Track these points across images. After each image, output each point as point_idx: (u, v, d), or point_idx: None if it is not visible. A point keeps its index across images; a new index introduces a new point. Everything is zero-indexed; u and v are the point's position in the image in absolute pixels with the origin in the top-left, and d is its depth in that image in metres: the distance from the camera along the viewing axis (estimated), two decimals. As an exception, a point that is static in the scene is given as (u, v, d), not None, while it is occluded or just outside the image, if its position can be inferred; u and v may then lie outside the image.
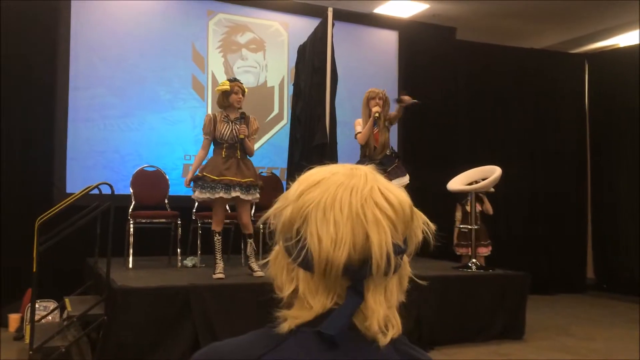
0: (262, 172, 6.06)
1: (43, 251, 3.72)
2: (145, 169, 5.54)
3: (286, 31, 6.61)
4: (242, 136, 4.30)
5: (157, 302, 3.76)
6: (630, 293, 6.79)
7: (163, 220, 5.20)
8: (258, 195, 4.38)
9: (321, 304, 0.69)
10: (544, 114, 7.53)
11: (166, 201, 5.46)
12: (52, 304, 4.82)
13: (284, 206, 0.73)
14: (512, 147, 7.35)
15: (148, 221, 5.11)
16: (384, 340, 0.68)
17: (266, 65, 6.52)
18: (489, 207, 6.09)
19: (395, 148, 5.57)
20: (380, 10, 6.91)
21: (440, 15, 7.08)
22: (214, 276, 4.19)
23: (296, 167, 5.35)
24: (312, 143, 5.02)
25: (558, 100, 7.59)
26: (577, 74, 7.82)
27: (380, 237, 0.68)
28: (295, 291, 0.71)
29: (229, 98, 4.35)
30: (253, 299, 3.82)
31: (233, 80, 4.42)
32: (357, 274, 0.68)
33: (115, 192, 4.02)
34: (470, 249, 5.68)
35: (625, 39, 7.49)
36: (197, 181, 4.24)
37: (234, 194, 4.22)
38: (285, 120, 6.46)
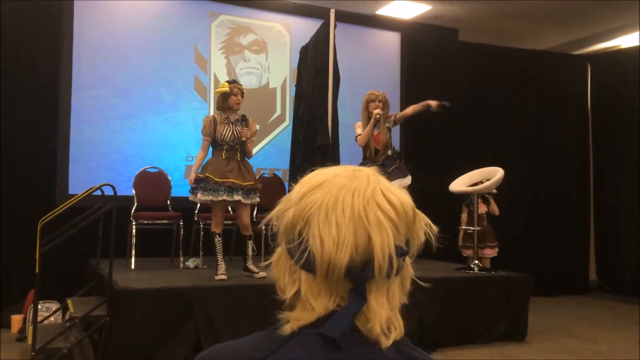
0: (264, 174, 6.07)
1: (46, 252, 3.72)
2: (147, 170, 5.55)
3: (288, 33, 6.61)
4: (244, 139, 4.31)
5: (160, 303, 3.76)
6: (633, 294, 6.77)
7: (165, 221, 5.21)
8: (258, 199, 4.39)
9: (323, 306, 0.69)
10: (546, 115, 7.52)
11: (168, 202, 5.47)
12: (54, 305, 4.82)
13: (286, 208, 0.73)
14: (514, 148, 7.34)
15: (150, 222, 5.12)
16: (386, 342, 0.68)
17: (268, 67, 6.53)
18: (495, 208, 6.07)
19: (398, 149, 5.56)
20: (383, 11, 6.91)
21: (442, 17, 7.09)
22: (216, 277, 4.19)
23: (298, 168, 5.36)
24: (314, 144, 5.03)
25: (560, 101, 7.58)
26: (580, 75, 7.82)
27: (383, 239, 0.67)
28: (297, 293, 0.71)
29: (228, 100, 4.35)
30: (255, 300, 3.83)
31: (232, 82, 4.42)
32: (359, 276, 0.67)
33: (118, 194, 4.03)
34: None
35: (627, 40, 7.48)
36: (199, 182, 4.24)
37: (236, 198, 4.22)
38: (288, 122, 6.46)
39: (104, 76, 5.72)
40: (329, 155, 4.88)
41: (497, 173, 5.33)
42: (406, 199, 0.72)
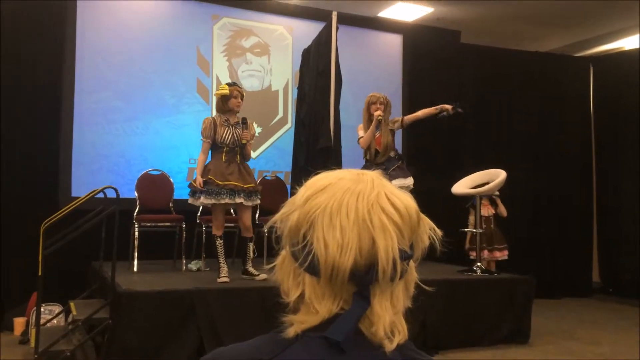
0: (266, 176, 6.07)
1: (48, 255, 3.73)
2: (150, 172, 5.55)
3: (290, 35, 6.62)
4: (244, 141, 4.31)
5: (162, 306, 3.76)
6: (636, 297, 6.75)
7: (168, 223, 5.21)
8: (259, 201, 4.40)
9: (327, 309, 0.69)
10: (548, 117, 7.51)
11: (171, 205, 5.48)
12: (57, 308, 4.83)
13: (290, 211, 0.73)
14: (517, 150, 7.34)
15: (153, 225, 5.12)
16: (390, 346, 0.68)
17: (270, 69, 6.54)
18: (502, 210, 6.04)
19: (400, 151, 5.56)
20: (385, 14, 6.92)
21: (444, 19, 7.09)
22: (219, 280, 4.20)
23: (300, 170, 5.36)
24: (316, 146, 5.03)
25: (563, 103, 7.57)
26: (582, 77, 7.81)
27: (387, 243, 0.68)
28: (301, 296, 0.71)
29: (228, 102, 4.35)
30: (258, 303, 3.83)
31: (232, 85, 4.42)
32: (363, 280, 0.68)
33: (120, 196, 4.03)
34: (483, 252, 5.67)
35: (630, 42, 7.47)
36: (202, 184, 4.23)
37: (237, 200, 4.23)
38: (290, 124, 6.47)
39: (106, 79, 5.73)
40: (331, 157, 4.89)
41: (499, 175, 5.33)
42: (410, 202, 0.72)
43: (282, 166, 6.34)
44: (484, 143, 7.25)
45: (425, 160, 6.58)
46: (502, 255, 5.91)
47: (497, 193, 5.88)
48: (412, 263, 0.73)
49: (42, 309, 4.00)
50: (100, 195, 4.13)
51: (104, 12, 5.76)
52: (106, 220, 4.06)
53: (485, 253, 5.87)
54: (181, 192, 5.54)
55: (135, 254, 4.90)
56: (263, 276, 4.23)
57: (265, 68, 6.52)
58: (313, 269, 0.69)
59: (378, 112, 4.78)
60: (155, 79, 5.94)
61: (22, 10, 5.33)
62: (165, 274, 4.82)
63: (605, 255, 7.58)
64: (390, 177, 4.48)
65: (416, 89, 7.01)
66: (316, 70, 5.20)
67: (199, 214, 5.33)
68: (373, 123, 4.79)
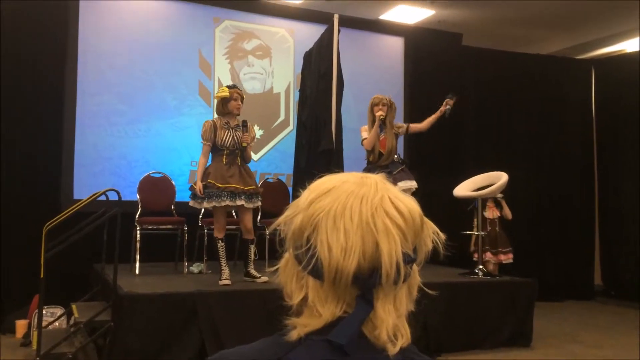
0: (268, 178, 6.07)
1: (50, 257, 3.73)
2: (152, 175, 5.56)
3: (292, 38, 6.63)
4: (244, 144, 4.31)
5: (164, 308, 3.76)
6: (638, 299, 6.73)
7: (169, 226, 5.21)
8: (260, 203, 4.40)
9: (330, 312, 0.69)
10: (550, 119, 7.51)
11: (173, 207, 5.48)
12: (59, 310, 4.83)
13: (294, 214, 0.73)
14: (518, 152, 7.33)
15: (155, 227, 5.13)
16: (393, 350, 0.68)
17: (272, 72, 6.55)
18: (508, 213, 6.02)
19: (402, 154, 5.57)
20: (386, 16, 6.93)
21: (446, 22, 7.10)
22: (220, 282, 4.20)
23: (302, 173, 5.36)
24: (318, 149, 5.03)
25: (564, 105, 7.57)
26: (584, 80, 7.81)
27: (390, 246, 0.68)
28: (304, 299, 0.71)
29: (228, 105, 4.35)
30: (259, 305, 3.83)
31: (232, 87, 4.43)
32: (366, 283, 0.68)
33: (122, 199, 4.03)
34: (486, 254, 5.66)
35: (631, 45, 7.47)
36: (202, 189, 4.23)
37: (238, 202, 4.23)
38: (292, 127, 6.47)
39: (108, 81, 5.74)
40: (332, 160, 4.89)
41: (501, 178, 5.32)
42: (414, 206, 0.73)
43: (284, 169, 6.34)
44: (485, 145, 7.25)
45: (427, 163, 6.58)
46: (507, 258, 5.88)
47: (502, 195, 5.87)
48: (415, 267, 0.73)
49: (44, 312, 4.00)
50: (102, 197, 4.13)
51: (106, 14, 5.78)
52: (108, 222, 4.07)
53: (489, 255, 5.86)
54: (183, 194, 5.55)
55: (137, 257, 4.90)
56: (264, 279, 4.23)
57: (267, 70, 6.53)
58: (316, 272, 0.69)
59: (380, 113, 4.79)
60: (157, 81, 5.95)
61: (24, 12, 5.34)
62: (167, 276, 4.82)
63: (607, 257, 7.56)
64: (395, 180, 4.49)
65: (418, 91, 7.01)
66: (318, 73, 5.20)
67: (200, 216, 5.33)
68: (376, 123, 4.80)
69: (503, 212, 6.01)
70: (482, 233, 5.49)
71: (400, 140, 6.16)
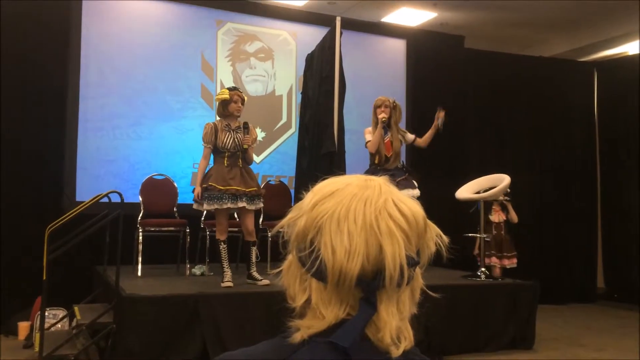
0: (270, 181, 6.08)
1: (53, 259, 3.74)
2: (154, 177, 5.57)
3: (294, 40, 6.64)
4: (245, 146, 4.31)
5: (166, 310, 3.77)
6: (641, 303, 6.72)
7: (172, 228, 5.22)
8: (262, 205, 4.40)
9: (334, 315, 0.69)
10: (552, 122, 7.50)
11: (175, 209, 5.48)
12: (61, 312, 4.84)
13: (298, 216, 0.73)
14: (521, 155, 7.33)
15: (157, 229, 5.13)
16: (396, 352, 0.68)
17: (274, 74, 6.56)
18: (514, 216, 5.99)
19: (404, 156, 5.56)
20: (388, 19, 6.93)
21: (448, 24, 7.10)
22: (222, 284, 4.19)
23: (304, 175, 5.36)
24: (320, 151, 5.03)
25: (567, 108, 7.56)
26: (586, 82, 7.80)
27: (394, 249, 0.68)
28: (307, 301, 0.71)
29: (228, 107, 4.36)
30: (261, 308, 3.83)
31: (232, 89, 4.43)
32: (370, 285, 0.68)
33: (125, 201, 4.04)
34: (493, 259, 5.64)
35: (634, 47, 7.47)
36: (203, 192, 4.24)
37: (240, 204, 4.23)
38: (294, 129, 6.48)
39: (111, 84, 5.75)
40: (335, 162, 4.89)
41: (503, 180, 5.31)
42: (417, 209, 0.73)
43: (286, 171, 6.35)
44: (487, 148, 7.25)
45: (429, 165, 6.57)
46: (511, 263, 5.85)
47: (508, 198, 5.86)
48: (418, 269, 0.73)
49: (46, 313, 4.01)
50: (105, 199, 4.14)
51: (108, 17, 5.79)
52: (110, 224, 4.08)
53: (494, 260, 5.83)
54: (185, 196, 5.56)
55: (139, 259, 4.90)
56: (266, 281, 4.23)
57: (269, 73, 6.54)
58: (320, 275, 0.69)
59: (382, 115, 4.79)
60: (159, 84, 5.97)
61: (27, 14, 5.36)
62: (169, 278, 4.82)
63: (610, 260, 7.55)
64: (399, 187, 4.48)
65: (420, 94, 7.01)
66: (320, 75, 5.20)
67: (202, 218, 5.33)
68: (378, 126, 4.79)
69: (509, 216, 5.98)
70: (485, 235, 5.48)
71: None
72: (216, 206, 4.21)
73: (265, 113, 6.39)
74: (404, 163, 5.12)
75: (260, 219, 5.43)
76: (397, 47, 7.15)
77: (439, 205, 5.53)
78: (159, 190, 5.52)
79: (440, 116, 4.96)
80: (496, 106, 7.36)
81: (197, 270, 5.06)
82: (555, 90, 7.50)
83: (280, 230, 0.76)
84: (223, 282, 4.22)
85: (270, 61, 6.54)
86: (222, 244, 4.34)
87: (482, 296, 4.76)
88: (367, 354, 0.68)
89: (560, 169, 7.48)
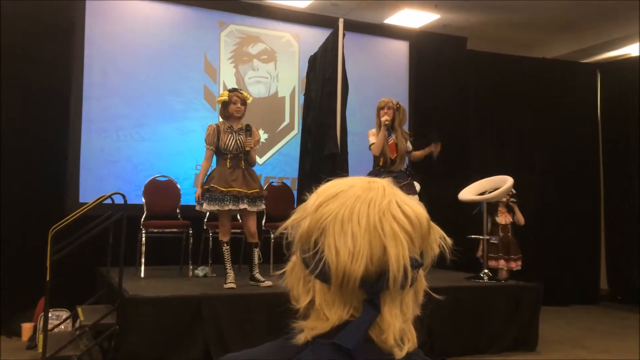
0: (273, 182, 6.08)
1: (56, 260, 3.75)
2: (157, 178, 5.58)
3: (297, 42, 6.65)
4: (248, 149, 4.32)
5: (169, 311, 3.77)
6: (645, 305, 6.70)
7: (174, 229, 5.22)
8: (264, 206, 4.41)
9: (337, 316, 0.69)
10: (555, 124, 7.48)
11: (178, 211, 5.49)
12: (64, 313, 4.84)
13: (301, 217, 0.74)
14: (524, 157, 7.31)
15: (160, 231, 5.14)
16: (399, 354, 0.69)
17: (277, 76, 6.57)
18: (520, 218, 5.96)
19: (406, 159, 5.54)
20: (391, 20, 6.94)
21: (451, 26, 7.10)
22: (225, 286, 4.20)
23: (307, 177, 5.36)
24: (322, 153, 5.03)
25: (570, 109, 7.55)
26: (589, 84, 7.79)
27: (398, 251, 0.68)
28: (311, 302, 0.72)
29: (228, 108, 4.38)
30: (264, 309, 3.83)
31: (232, 91, 4.44)
32: (373, 287, 0.68)
33: (128, 202, 4.05)
34: (501, 261, 5.63)
35: (636, 49, 7.45)
36: (205, 193, 4.25)
37: (242, 206, 4.24)
38: (296, 130, 6.48)
39: (114, 85, 5.77)
40: (337, 164, 4.89)
41: (506, 182, 5.31)
42: (421, 211, 0.73)
43: (289, 172, 6.35)
44: (490, 149, 7.24)
45: (432, 167, 6.55)
46: (517, 265, 5.84)
47: (514, 200, 5.84)
48: (421, 271, 0.74)
49: (49, 315, 4.01)
50: (108, 201, 4.15)
51: (112, 19, 5.81)
52: (113, 226, 4.08)
53: (502, 262, 5.82)
54: (188, 198, 5.57)
55: (142, 260, 4.91)
56: (268, 283, 4.23)
57: (271, 74, 6.55)
58: (324, 276, 0.69)
59: (385, 118, 4.78)
60: (162, 85, 5.98)
61: (30, 14, 5.38)
62: (172, 279, 4.83)
63: (613, 262, 7.53)
64: (402, 190, 4.46)
65: (422, 95, 7.01)
66: (323, 77, 5.21)
67: (205, 220, 5.34)
68: (382, 129, 4.78)
69: (515, 218, 5.96)
70: (488, 237, 5.47)
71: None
72: (217, 207, 4.21)
73: (267, 115, 6.40)
74: (408, 166, 5.10)
75: (263, 221, 5.43)
76: (399, 49, 7.15)
77: (441, 206, 5.54)
78: (161, 191, 5.53)
79: (435, 151, 4.96)
80: (498, 107, 7.35)
81: (200, 271, 5.06)
82: (558, 91, 7.49)
83: (284, 231, 0.76)
84: (226, 283, 4.22)
85: (273, 63, 6.55)
86: (225, 245, 4.35)
87: (484, 298, 4.75)
88: (371, 355, 0.68)
89: (562, 170, 7.46)
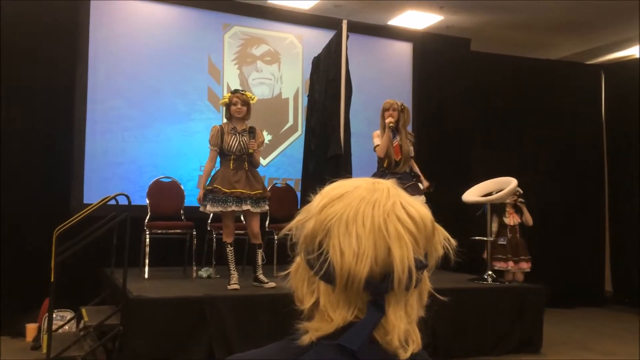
0: (276, 183, 6.09)
1: (61, 261, 3.76)
2: (161, 179, 5.59)
3: (301, 43, 6.66)
4: (251, 151, 4.33)
5: (173, 312, 3.78)
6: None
7: (178, 230, 5.23)
8: (267, 208, 4.41)
9: (342, 317, 0.69)
10: (560, 125, 7.47)
11: (182, 212, 5.50)
12: (69, 314, 4.86)
13: (306, 219, 0.74)
14: (528, 158, 7.29)
15: (164, 232, 5.15)
16: (404, 355, 0.69)
17: (281, 77, 6.57)
18: (528, 218, 5.93)
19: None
20: (395, 22, 6.94)
21: (454, 27, 7.09)
22: (229, 287, 4.20)
23: (311, 178, 5.37)
24: (326, 154, 5.03)
25: (574, 110, 7.53)
26: (593, 85, 7.77)
27: (402, 252, 0.68)
28: (315, 303, 0.72)
29: (230, 110, 4.41)
30: (268, 310, 3.83)
31: (234, 92, 4.47)
32: (378, 288, 0.68)
33: (132, 203, 4.06)
34: (510, 263, 5.60)
35: (641, 50, 7.44)
36: (208, 194, 4.26)
37: (245, 207, 4.24)
38: (300, 132, 6.49)
39: (118, 87, 5.79)
40: (341, 165, 4.89)
41: (510, 183, 5.30)
42: (425, 212, 0.73)
43: (292, 174, 6.35)
44: (493, 151, 7.22)
45: (435, 168, 6.55)
46: (528, 267, 5.82)
47: (522, 200, 5.82)
48: (425, 272, 0.73)
49: (54, 315, 4.03)
50: (112, 202, 4.16)
51: (116, 21, 5.83)
52: (118, 227, 4.09)
53: (510, 264, 5.79)
54: (192, 199, 5.56)
55: (147, 261, 4.91)
56: (272, 284, 4.23)
57: (275, 76, 6.55)
58: (328, 277, 0.69)
59: (389, 120, 4.77)
60: (166, 87, 6.00)
61: (37, 21, 5.40)
62: (176, 280, 4.84)
63: (618, 263, 7.50)
64: (407, 191, 4.46)
65: (426, 96, 7.01)
66: (326, 78, 5.21)
67: (209, 221, 5.34)
68: (386, 131, 4.78)
69: (523, 218, 5.94)
70: (492, 239, 5.45)
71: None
72: (220, 209, 4.22)
73: (271, 116, 6.41)
74: (412, 168, 5.09)
75: (267, 222, 5.43)
76: (403, 50, 7.15)
77: (445, 208, 5.53)
78: (166, 192, 5.54)
79: (428, 189, 4.96)
80: (502, 108, 7.34)
81: (204, 272, 5.06)
82: (563, 93, 7.46)
83: (288, 232, 0.76)
84: (229, 284, 4.23)
85: (277, 64, 6.56)
86: (229, 246, 4.35)
87: (489, 299, 4.74)
88: (375, 356, 0.68)
89: (567, 171, 7.44)
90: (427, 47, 7.09)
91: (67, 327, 4.71)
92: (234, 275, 4.28)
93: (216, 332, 3.80)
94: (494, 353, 4.55)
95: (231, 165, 4.31)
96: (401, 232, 0.69)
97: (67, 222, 3.99)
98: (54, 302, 3.84)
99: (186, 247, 5.20)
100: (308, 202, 0.76)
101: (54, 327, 4.24)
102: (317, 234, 0.71)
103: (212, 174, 4.42)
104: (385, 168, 4.86)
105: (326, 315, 0.70)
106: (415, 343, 0.71)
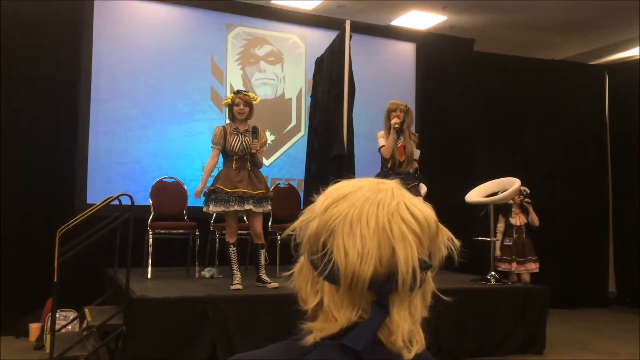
0: (279, 184, 6.09)
1: (64, 261, 3.76)
2: (164, 180, 5.60)
3: (304, 44, 6.66)
4: (253, 151, 4.34)
5: (176, 312, 3.78)
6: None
7: (181, 231, 5.24)
8: (270, 208, 4.41)
9: (346, 318, 0.69)
10: (563, 125, 7.45)
11: (184, 212, 5.51)
12: (72, 314, 4.87)
13: (310, 219, 0.74)
14: (531, 159, 7.28)
15: (167, 232, 5.15)
16: (408, 356, 0.68)
17: (284, 77, 6.57)
18: (534, 219, 5.91)
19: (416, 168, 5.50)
20: (398, 22, 6.93)
21: (458, 27, 7.08)
22: (232, 287, 4.20)
23: (314, 178, 5.37)
24: (329, 154, 5.03)
25: (578, 111, 7.51)
26: (597, 85, 7.75)
27: (407, 252, 0.68)
28: (319, 304, 0.71)
29: (232, 110, 4.42)
30: (271, 310, 3.83)
31: (236, 93, 4.48)
32: (382, 289, 0.68)
33: (135, 203, 4.06)
34: (514, 264, 5.59)
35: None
36: (211, 194, 4.26)
37: (247, 207, 4.24)
38: (303, 132, 6.49)
39: (122, 87, 5.80)
40: (344, 165, 4.88)
41: (514, 184, 5.29)
42: (429, 212, 0.73)
43: (295, 174, 6.35)
44: (497, 152, 7.21)
45: (438, 169, 6.55)
46: (535, 267, 5.80)
47: (528, 200, 5.81)
48: (429, 273, 0.73)
49: (57, 315, 4.04)
50: (116, 202, 4.17)
51: (119, 21, 5.84)
52: (121, 227, 4.10)
53: (514, 265, 5.77)
54: (195, 199, 5.58)
55: (149, 261, 4.92)
56: (275, 284, 4.23)
57: (278, 76, 6.56)
58: (332, 278, 0.69)
59: (394, 120, 4.76)
60: (169, 87, 6.00)
61: (40, 22, 5.41)
62: (179, 281, 4.84)
63: (621, 264, 7.47)
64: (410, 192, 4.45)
65: (429, 97, 7.00)
66: (329, 79, 5.21)
67: (212, 221, 5.35)
68: (391, 132, 4.77)
69: (530, 218, 5.92)
70: (495, 239, 5.44)
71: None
72: (223, 209, 4.23)
73: (274, 116, 6.41)
74: (417, 170, 5.08)
75: (270, 222, 5.44)
76: (406, 50, 7.14)
77: (448, 208, 5.52)
78: (169, 192, 5.55)
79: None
80: (506, 109, 7.32)
81: (207, 272, 5.07)
82: (566, 93, 7.45)
83: (292, 232, 0.76)
84: (232, 284, 4.23)
85: (280, 64, 6.56)
86: (232, 246, 4.36)
87: (492, 300, 4.73)
88: (379, 357, 0.68)
89: (570, 171, 7.43)
90: (430, 47, 7.08)
91: (70, 327, 4.72)
92: (237, 276, 4.28)
93: (219, 332, 3.81)
94: (497, 353, 4.55)
95: (234, 165, 4.31)
96: (405, 232, 0.69)
97: (70, 222, 4.00)
98: (57, 301, 3.85)
99: (189, 247, 5.21)
100: (311, 202, 0.76)
101: (57, 326, 4.25)
102: (321, 234, 0.71)
103: (214, 174, 4.43)
104: (389, 168, 4.85)
105: (330, 315, 0.70)
106: (419, 343, 0.71)
